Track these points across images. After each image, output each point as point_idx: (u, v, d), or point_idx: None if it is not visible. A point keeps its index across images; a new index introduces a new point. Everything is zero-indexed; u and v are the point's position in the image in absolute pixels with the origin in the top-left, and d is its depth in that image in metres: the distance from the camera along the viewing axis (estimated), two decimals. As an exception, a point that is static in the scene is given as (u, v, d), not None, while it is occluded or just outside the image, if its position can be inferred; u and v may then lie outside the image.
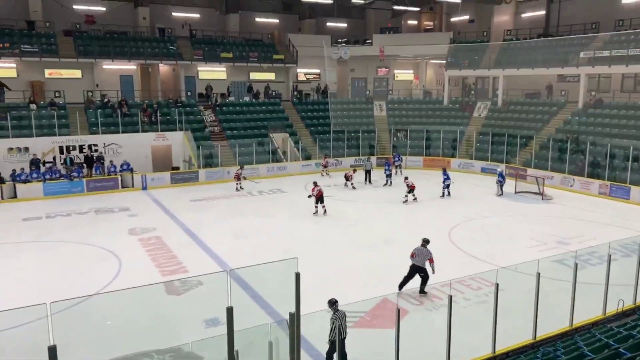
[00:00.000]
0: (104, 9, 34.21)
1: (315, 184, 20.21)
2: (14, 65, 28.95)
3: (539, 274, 8.88)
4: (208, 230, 17.64)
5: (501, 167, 26.17)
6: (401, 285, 11.90)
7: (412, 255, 11.86)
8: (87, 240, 16.34)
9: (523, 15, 36.83)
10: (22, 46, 28.38)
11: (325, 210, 19.67)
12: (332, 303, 8.38)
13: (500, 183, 23.17)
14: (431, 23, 44.43)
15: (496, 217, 19.55)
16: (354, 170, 25.57)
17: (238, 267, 11.92)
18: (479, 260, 14.40)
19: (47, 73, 29.83)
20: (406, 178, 22.22)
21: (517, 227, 18.09)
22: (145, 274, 13.20)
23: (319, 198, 19.51)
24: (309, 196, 19.85)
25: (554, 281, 10.55)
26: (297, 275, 7.11)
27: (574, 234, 16.96)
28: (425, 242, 12.04)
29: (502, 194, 23.04)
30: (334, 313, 8.26)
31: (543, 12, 35.41)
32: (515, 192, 23.27)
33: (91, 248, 15.67)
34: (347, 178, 24.86)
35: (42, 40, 29.64)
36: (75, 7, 33.20)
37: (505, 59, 32.48)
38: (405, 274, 11.93)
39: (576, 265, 9.49)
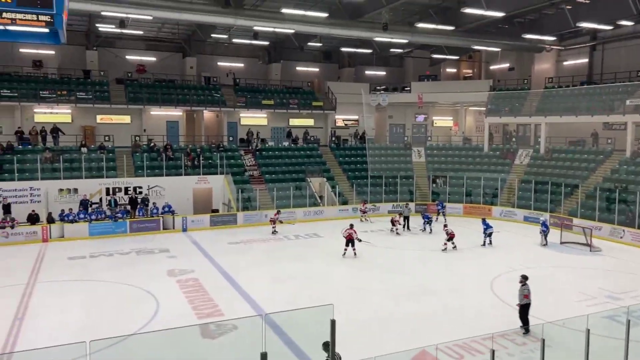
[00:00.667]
0: (154, 59, 36.24)
1: (351, 226, 20.34)
2: (69, 111, 30.78)
3: (588, 330, 8.39)
4: (244, 273, 17.67)
5: (545, 216, 25.35)
6: (527, 329, 11.93)
7: (527, 297, 12.18)
8: (127, 281, 16.64)
9: (565, 63, 36.55)
10: (77, 94, 30.20)
11: (355, 253, 19.79)
12: (327, 345, 8.13)
13: (544, 233, 22.36)
14: (470, 71, 44.65)
15: (541, 268, 18.75)
16: (400, 215, 25.45)
17: (273, 312, 11.82)
18: (523, 313, 13.74)
19: (99, 118, 31.51)
20: (445, 226, 21.82)
21: (563, 280, 17.28)
22: (182, 316, 13.25)
23: (349, 240, 19.73)
24: (359, 239, 20.05)
25: (604, 338, 9.92)
26: (333, 323, 6.99)
27: (625, 288, 16.04)
28: (525, 278, 12.51)
29: (546, 244, 22.20)
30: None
31: (586, 60, 35.05)
32: (561, 243, 22.37)
33: (131, 288, 15.94)
34: (393, 223, 24.73)
35: (96, 88, 31.50)
36: (128, 57, 35.35)
37: (548, 106, 32.05)
38: (519, 316, 12.16)
39: (629, 322, 8.91)
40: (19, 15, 8.05)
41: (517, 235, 24.37)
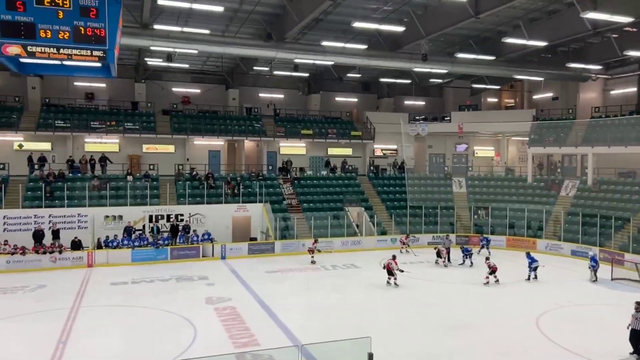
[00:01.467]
0: (199, 90, 37.53)
1: (393, 257, 20.40)
2: (117, 140, 32.13)
3: (644, 374, 7.85)
4: (281, 302, 17.60)
5: (594, 251, 24.23)
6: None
7: None
8: (166, 307, 16.85)
9: (612, 92, 35.50)
10: (125, 124, 31.57)
11: (396, 283, 19.87)
12: None
13: (594, 268, 21.30)
14: (512, 100, 43.93)
15: (590, 305, 17.83)
16: (445, 249, 24.91)
17: (309, 343, 11.65)
18: (572, 353, 13.04)
19: (145, 148, 32.74)
20: (487, 259, 21.18)
21: (615, 318, 16.29)
22: (219, 345, 13.27)
23: (389, 271, 19.93)
24: (401, 270, 20.14)
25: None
26: (370, 356, 6.84)
27: (685, 329, 14.97)
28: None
29: (596, 279, 21.14)
30: None
31: (634, 89, 33.92)
32: (612, 279, 21.26)
33: (170, 315, 16.12)
34: (438, 255, 24.25)
35: (143, 119, 32.83)
36: (174, 89, 36.79)
37: (594, 136, 31.05)
38: (633, 343, 12.49)
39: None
40: (74, 51, 8.57)
41: (565, 270, 23.34)
